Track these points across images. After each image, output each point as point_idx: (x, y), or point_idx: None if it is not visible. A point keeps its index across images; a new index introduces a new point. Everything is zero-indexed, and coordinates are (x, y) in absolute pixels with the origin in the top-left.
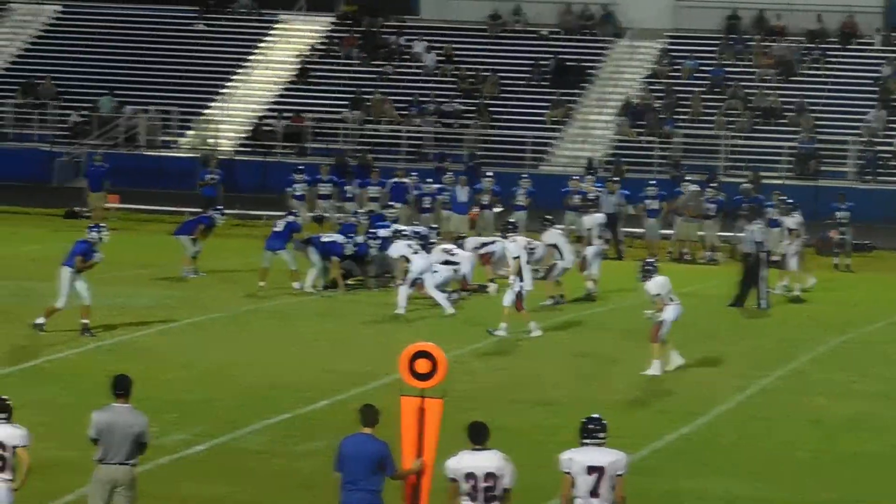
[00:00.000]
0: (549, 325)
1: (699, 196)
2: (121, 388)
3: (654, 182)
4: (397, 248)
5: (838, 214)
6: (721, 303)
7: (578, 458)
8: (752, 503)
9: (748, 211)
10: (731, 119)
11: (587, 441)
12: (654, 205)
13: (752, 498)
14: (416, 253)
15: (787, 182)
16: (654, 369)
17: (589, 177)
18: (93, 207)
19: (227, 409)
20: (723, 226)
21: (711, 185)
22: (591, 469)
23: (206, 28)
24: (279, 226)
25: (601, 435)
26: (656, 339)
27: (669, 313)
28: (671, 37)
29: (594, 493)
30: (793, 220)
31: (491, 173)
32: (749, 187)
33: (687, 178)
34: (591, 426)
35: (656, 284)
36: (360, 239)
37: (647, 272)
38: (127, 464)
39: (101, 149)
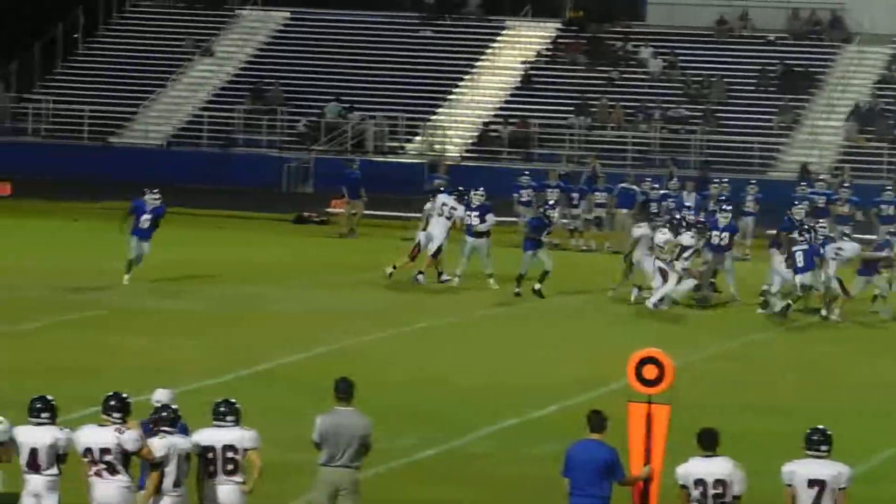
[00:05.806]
0: (779, 331)
1: None
2: (343, 391)
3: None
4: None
5: None
6: None
7: (801, 471)
8: None
9: None
10: None
11: (809, 453)
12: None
13: None
14: None
15: None
16: None
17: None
18: (345, 214)
19: (455, 412)
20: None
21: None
22: (811, 482)
23: (433, 34)
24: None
25: (823, 448)
26: None
27: None
28: None
29: None
30: None
31: (717, 179)
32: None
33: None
34: (813, 437)
35: None
36: None
37: None
38: (350, 467)
39: (329, 154)
